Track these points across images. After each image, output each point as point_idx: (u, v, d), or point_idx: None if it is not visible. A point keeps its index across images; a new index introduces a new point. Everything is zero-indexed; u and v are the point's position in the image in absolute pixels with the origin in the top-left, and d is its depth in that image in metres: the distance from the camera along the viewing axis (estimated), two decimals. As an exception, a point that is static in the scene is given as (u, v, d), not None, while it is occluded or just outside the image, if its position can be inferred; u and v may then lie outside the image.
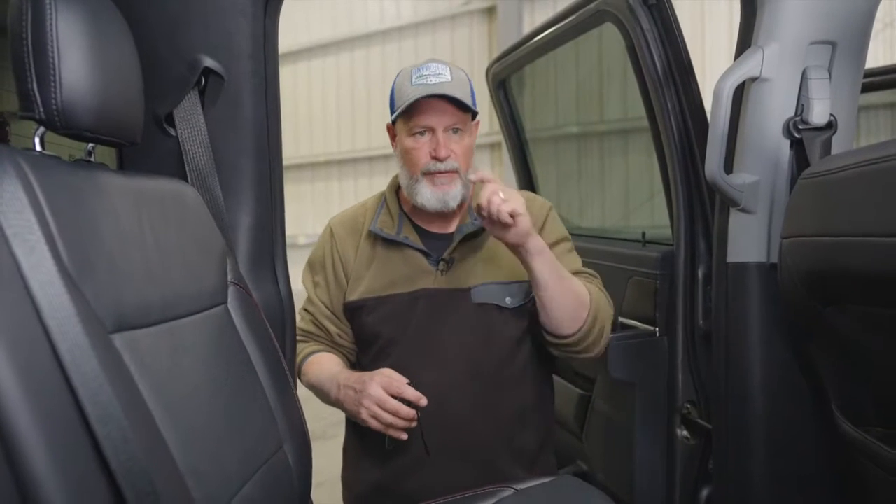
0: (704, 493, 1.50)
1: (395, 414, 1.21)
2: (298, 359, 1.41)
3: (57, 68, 0.74)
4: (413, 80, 1.29)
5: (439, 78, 1.28)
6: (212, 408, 0.86)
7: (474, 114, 1.35)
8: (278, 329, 1.22)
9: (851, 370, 1.15)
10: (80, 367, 0.63)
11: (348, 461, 1.46)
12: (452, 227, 1.40)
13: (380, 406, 1.21)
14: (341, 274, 1.41)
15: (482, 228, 1.36)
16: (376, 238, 1.39)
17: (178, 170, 1.12)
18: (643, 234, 1.77)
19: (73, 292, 0.65)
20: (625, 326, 1.69)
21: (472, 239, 1.38)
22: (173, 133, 1.13)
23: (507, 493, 1.14)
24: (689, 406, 1.51)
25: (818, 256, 1.07)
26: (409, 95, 1.28)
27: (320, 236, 1.48)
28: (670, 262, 1.55)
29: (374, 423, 1.23)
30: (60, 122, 0.76)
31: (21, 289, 0.62)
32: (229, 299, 1.01)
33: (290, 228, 1.41)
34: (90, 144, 0.86)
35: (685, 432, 1.52)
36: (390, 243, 1.38)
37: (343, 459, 1.48)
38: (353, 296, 1.38)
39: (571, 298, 1.28)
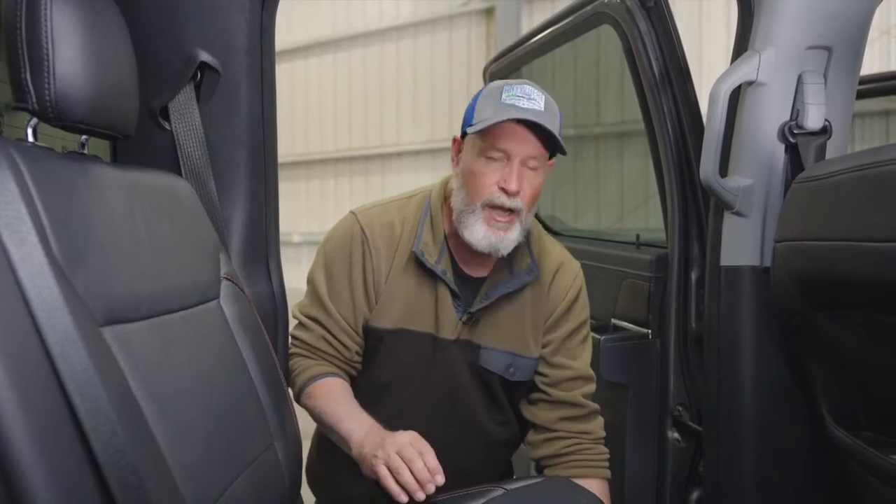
0: (694, 495, 1.50)
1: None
2: (303, 376, 1.25)
3: (51, 59, 0.74)
4: (503, 97, 1.13)
5: (532, 104, 1.13)
6: (202, 403, 0.85)
7: (553, 153, 1.21)
8: (271, 326, 1.21)
9: (842, 375, 1.15)
10: (69, 360, 0.62)
11: (324, 466, 1.37)
12: (486, 271, 1.27)
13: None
14: (371, 290, 1.25)
15: (517, 290, 1.26)
16: (414, 258, 1.24)
17: (172, 164, 1.12)
18: (637, 237, 1.77)
19: (63, 284, 0.65)
20: (617, 328, 1.69)
21: (504, 297, 1.26)
22: (168, 127, 1.12)
23: (498, 492, 1.14)
24: (680, 409, 1.52)
25: (811, 261, 1.07)
26: (494, 113, 1.12)
27: (344, 232, 1.28)
28: (664, 265, 1.55)
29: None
30: (53, 113, 0.75)
31: (10, 280, 0.62)
32: (222, 295, 1.00)
33: (285, 227, 1.39)
34: (83, 136, 0.85)
35: (676, 435, 1.52)
36: (425, 270, 1.24)
37: (315, 462, 1.39)
38: (378, 322, 1.25)
39: None
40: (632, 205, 2.61)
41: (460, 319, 1.25)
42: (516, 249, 1.23)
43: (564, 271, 1.32)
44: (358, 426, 1.14)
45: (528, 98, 1.13)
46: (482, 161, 1.15)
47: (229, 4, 1.13)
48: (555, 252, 1.34)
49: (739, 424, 1.28)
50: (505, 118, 1.10)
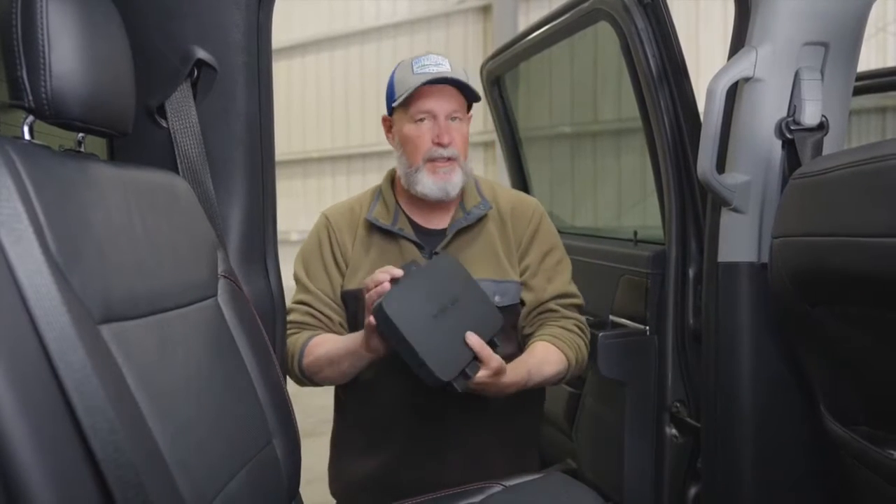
0: (693, 491, 1.50)
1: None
2: (298, 345, 1.34)
3: (47, 56, 0.73)
4: (414, 69, 1.32)
5: (440, 67, 1.32)
6: (200, 401, 0.85)
7: (470, 104, 1.38)
8: (269, 324, 1.21)
9: (839, 370, 1.15)
10: (67, 357, 0.62)
11: (338, 453, 1.46)
12: (446, 222, 1.41)
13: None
14: (341, 261, 1.40)
15: (475, 222, 1.38)
16: (372, 228, 1.39)
17: (169, 162, 1.11)
18: (635, 233, 1.77)
19: (61, 282, 0.64)
20: (615, 325, 1.69)
21: (466, 233, 1.39)
22: (165, 125, 1.12)
23: (497, 489, 1.14)
24: (678, 405, 1.52)
25: (808, 256, 1.07)
26: (411, 83, 1.30)
27: (314, 228, 1.45)
28: (662, 261, 1.55)
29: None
30: (50, 111, 0.75)
31: (7, 277, 0.61)
32: (219, 293, 1.00)
33: (283, 224, 1.40)
34: (80, 134, 0.85)
35: (674, 430, 1.53)
36: (386, 234, 1.39)
37: (332, 452, 1.48)
38: (352, 284, 1.38)
39: (549, 377, 1.33)
40: (629, 202, 2.61)
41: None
42: (468, 194, 1.41)
43: (523, 204, 1.46)
44: (357, 335, 1.24)
45: (436, 64, 1.32)
46: (413, 126, 1.33)
47: (226, 1, 1.12)
48: (508, 194, 1.49)
49: (737, 420, 1.29)
50: (422, 82, 1.29)
